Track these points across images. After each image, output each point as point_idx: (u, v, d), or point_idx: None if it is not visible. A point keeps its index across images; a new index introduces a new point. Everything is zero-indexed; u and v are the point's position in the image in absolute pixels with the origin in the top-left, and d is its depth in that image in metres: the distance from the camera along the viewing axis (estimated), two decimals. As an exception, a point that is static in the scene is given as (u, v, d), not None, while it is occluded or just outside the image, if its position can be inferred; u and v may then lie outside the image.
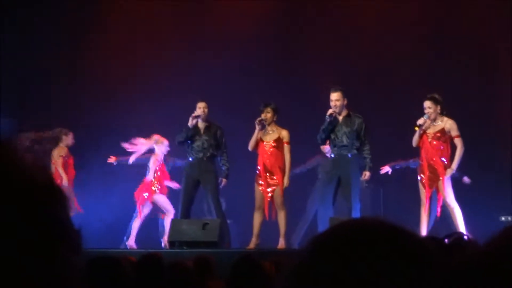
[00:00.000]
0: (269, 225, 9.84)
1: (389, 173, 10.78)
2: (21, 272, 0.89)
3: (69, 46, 13.07)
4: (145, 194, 10.69)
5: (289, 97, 11.92)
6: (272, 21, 12.94)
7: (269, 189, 9.68)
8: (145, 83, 13.00)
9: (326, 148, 10.87)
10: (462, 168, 9.80)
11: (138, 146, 10.81)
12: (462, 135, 9.33)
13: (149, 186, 10.73)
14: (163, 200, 10.80)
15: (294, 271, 1.06)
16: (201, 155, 10.00)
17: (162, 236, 10.90)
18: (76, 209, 10.49)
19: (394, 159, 10.76)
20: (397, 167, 10.71)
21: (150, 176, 10.76)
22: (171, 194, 10.94)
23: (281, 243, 9.60)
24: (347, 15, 12.92)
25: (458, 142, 9.28)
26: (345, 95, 9.46)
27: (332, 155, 9.57)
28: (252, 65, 12.81)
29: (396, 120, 11.61)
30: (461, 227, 8.97)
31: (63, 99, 12.82)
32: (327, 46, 12.76)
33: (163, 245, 10.51)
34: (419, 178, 9.47)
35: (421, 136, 9.34)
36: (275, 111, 9.76)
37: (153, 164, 10.75)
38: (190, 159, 10.10)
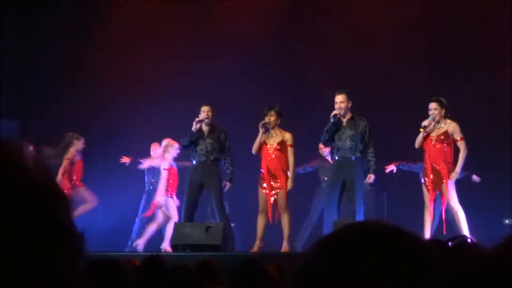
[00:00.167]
0: (272, 228, 9.83)
1: (394, 171, 10.71)
2: (21, 272, 0.89)
3: (70, 46, 13.03)
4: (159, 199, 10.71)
5: (289, 97, 11.92)
6: (272, 21, 12.91)
7: (272, 192, 9.67)
8: (145, 83, 12.97)
9: (325, 151, 10.87)
10: (464, 169, 9.81)
11: (155, 160, 10.87)
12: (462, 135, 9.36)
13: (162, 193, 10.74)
14: (171, 205, 10.74)
15: (297, 273, 1.07)
16: (204, 158, 9.96)
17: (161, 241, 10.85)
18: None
19: (394, 159, 10.74)
20: (401, 166, 10.65)
21: (162, 183, 10.72)
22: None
23: (285, 246, 9.58)
24: (347, 15, 12.90)
25: (461, 144, 9.26)
26: (349, 97, 9.46)
27: (336, 158, 9.54)
28: (252, 65, 12.79)
29: (396, 120, 11.63)
30: (465, 230, 8.98)
31: (63, 99, 12.78)
32: (327, 46, 12.76)
33: (162, 251, 10.45)
34: (422, 181, 9.48)
35: (424, 138, 9.32)
36: (278, 114, 9.71)
37: (164, 172, 10.72)
38: (194, 162, 10.08)
